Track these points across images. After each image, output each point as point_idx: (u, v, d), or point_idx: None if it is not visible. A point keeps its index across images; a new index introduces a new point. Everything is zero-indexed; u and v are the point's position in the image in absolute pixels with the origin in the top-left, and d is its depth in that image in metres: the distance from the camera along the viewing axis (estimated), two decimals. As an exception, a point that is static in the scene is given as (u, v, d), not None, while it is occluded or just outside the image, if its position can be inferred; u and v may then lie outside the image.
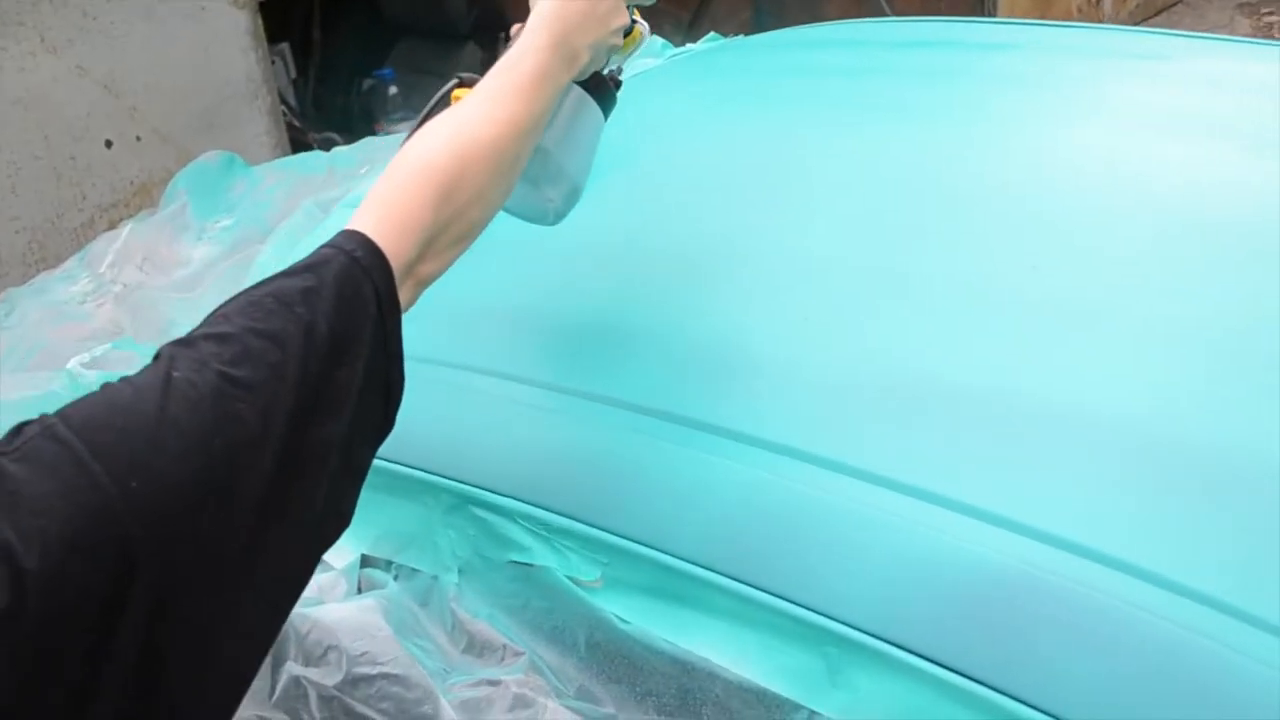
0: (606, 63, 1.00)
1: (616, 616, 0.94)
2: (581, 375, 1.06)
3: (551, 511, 0.97)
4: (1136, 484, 0.86)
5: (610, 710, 0.94)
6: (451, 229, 0.81)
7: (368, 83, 3.66)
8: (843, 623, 0.86)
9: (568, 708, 0.95)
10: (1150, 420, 0.90)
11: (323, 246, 0.74)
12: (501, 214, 0.89)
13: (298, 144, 3.16)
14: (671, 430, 0.97)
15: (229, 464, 0.62)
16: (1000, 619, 0.82)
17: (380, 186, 0.81)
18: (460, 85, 0.94)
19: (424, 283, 0.81)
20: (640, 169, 1.34)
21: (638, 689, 0.94)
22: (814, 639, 0.86)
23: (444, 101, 0.95)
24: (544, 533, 0.97)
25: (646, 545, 0.94)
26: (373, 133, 3.06)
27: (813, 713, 0.86)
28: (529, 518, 0.98)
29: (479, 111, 0.85)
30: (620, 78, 1.04)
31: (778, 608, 0.88)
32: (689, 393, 1.00)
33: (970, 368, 0.97)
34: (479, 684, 0.95)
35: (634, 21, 1.02)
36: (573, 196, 1.00)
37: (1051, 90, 1.49)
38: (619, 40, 0.98)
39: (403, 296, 0.76)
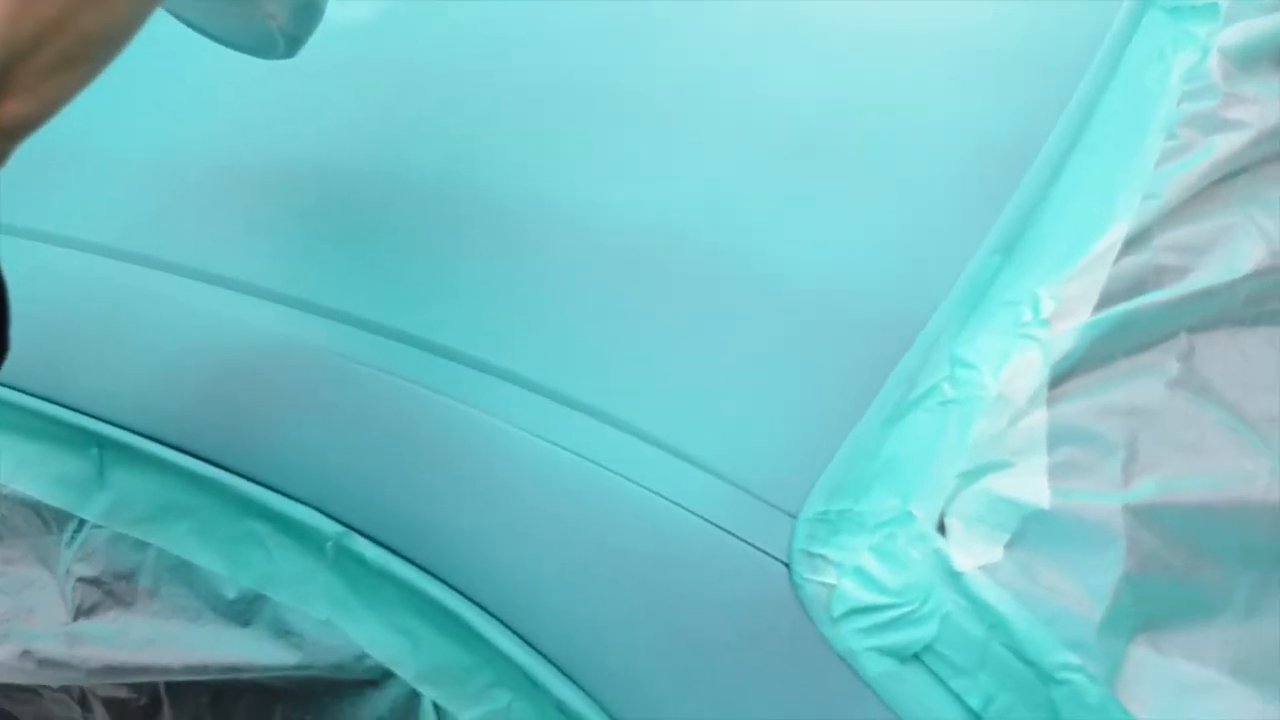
0: None
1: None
2: None
3: None
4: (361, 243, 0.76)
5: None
6: (51, 44, 0.51)
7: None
8: (104, 420, 0.75)
9: None
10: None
11: None
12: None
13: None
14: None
15: None
16: (248, 400, 0.72)
17: None
18: None
19: (12, 132, 0.52)
20: None
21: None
22: (81, 442, 0.76)
23: None
24: None
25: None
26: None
27: (83, 522, 0.76)
28: None
29: None
30: None
31: (46, 412, 0.77)
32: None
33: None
34: None
35: None
36: (307, 13, 0.69)
37: None
38: None
39: None
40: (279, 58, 0.70)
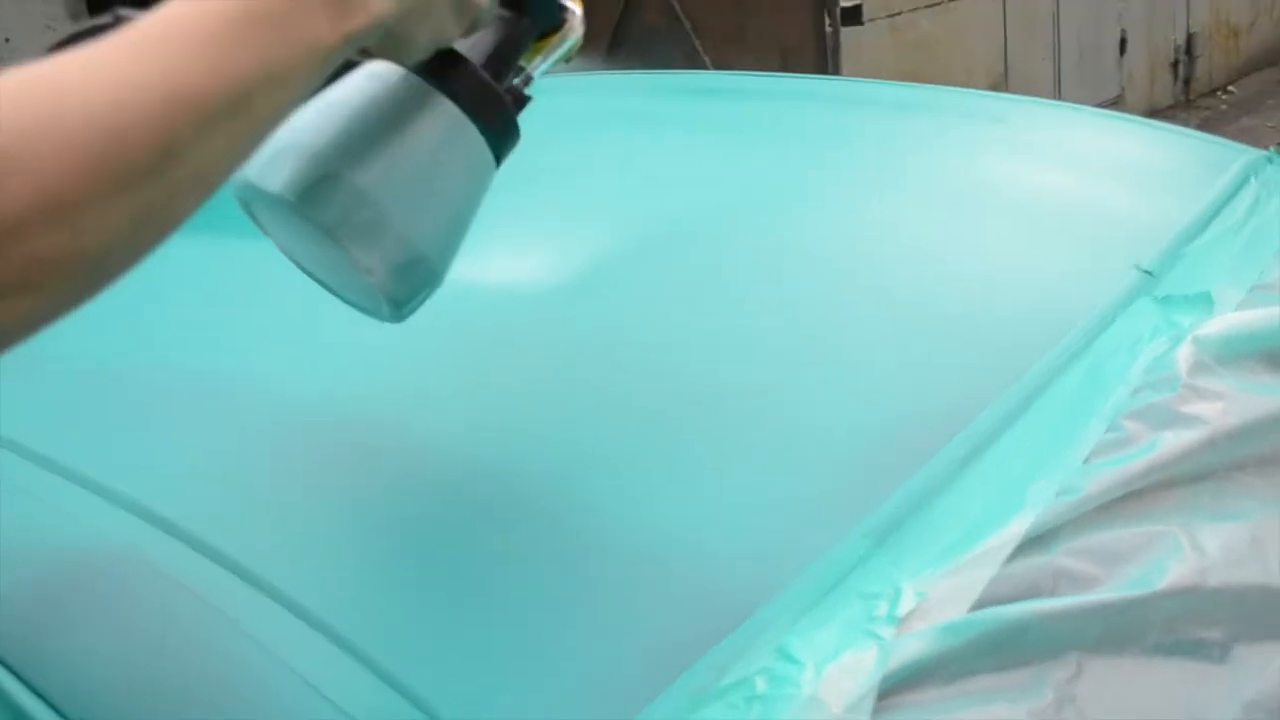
0: (513, 70, 0.61)
1: None
2: None
3: None
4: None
5: None
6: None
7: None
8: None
9: None
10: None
11: None
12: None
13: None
14: None
15: None
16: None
17: None
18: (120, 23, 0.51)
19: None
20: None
21: None
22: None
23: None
24: None
25: None
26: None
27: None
28: None
29: (80, 65, 0.43)
30: (528, 91, 0.62)
31: None
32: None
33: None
34: None
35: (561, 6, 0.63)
36: (411, 275, 0.59)
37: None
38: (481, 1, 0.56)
39: None
40: (385, 320, 0.61)
